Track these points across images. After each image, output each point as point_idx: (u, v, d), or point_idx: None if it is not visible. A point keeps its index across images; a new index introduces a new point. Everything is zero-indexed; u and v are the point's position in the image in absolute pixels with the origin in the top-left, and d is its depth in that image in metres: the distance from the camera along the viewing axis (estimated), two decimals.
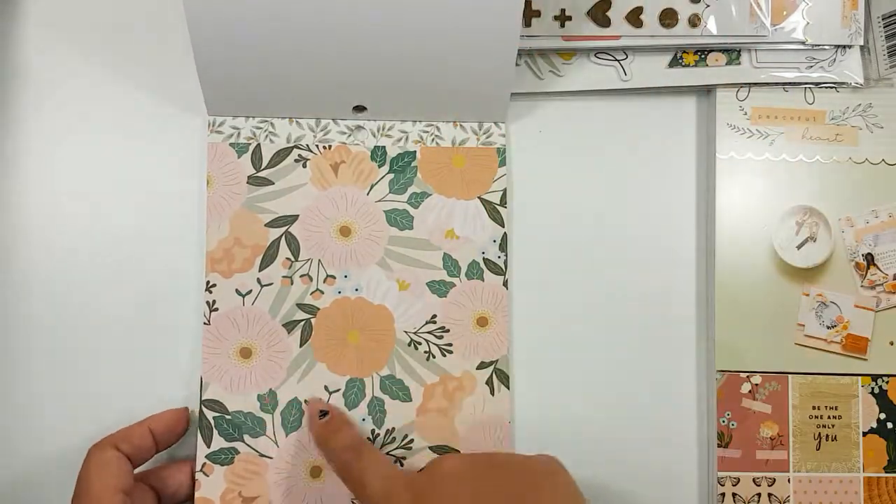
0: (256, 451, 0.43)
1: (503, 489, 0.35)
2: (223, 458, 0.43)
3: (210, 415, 0.43)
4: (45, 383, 0.44)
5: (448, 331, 0.44)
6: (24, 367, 0.44)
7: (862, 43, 0.47)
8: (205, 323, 0.43)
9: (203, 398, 0.43)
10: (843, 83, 0.47)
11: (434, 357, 0.44)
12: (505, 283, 0.45)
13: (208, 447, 0.42)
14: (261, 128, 0.45)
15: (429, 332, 0.44)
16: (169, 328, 0.44)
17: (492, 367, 0.45)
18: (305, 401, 0.43)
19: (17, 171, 0.45)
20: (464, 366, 0.44)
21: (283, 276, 0.44)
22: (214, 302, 0.43)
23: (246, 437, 0.43)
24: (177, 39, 0.45)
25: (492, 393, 0.44)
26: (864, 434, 0.46)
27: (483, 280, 0.45)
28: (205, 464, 0.42)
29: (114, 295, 0.44)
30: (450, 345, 0.44)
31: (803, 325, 0.46)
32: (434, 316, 0.45)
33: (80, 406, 0.43)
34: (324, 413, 0.42)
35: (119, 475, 0.38)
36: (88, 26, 0.45)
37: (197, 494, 0.42)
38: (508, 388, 0.45)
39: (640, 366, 0.46)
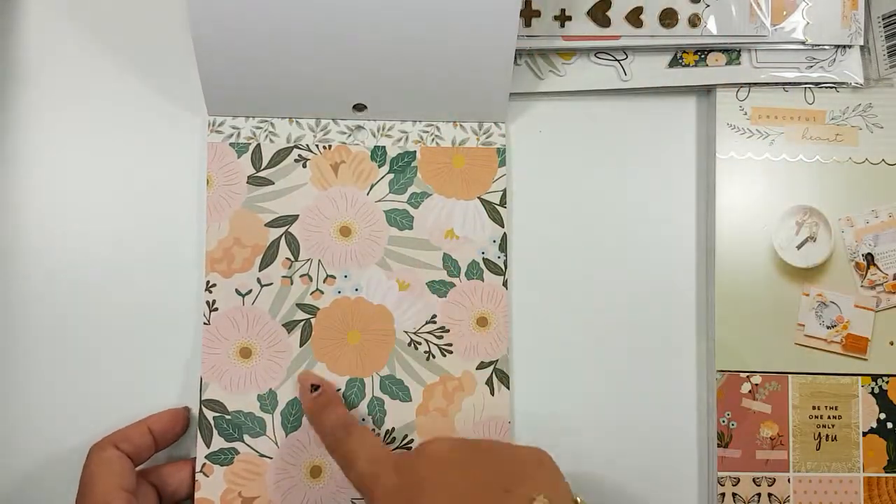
0: (256, 452, 0.43)
1: (489, 475, 0.35)
2: (223, 458, 0.42)
3: (210, 415, 0.43)
4: (46, 383, 0.44)
5: (448, 331, 0.44)
6: (25, 367, 0.44)
7: (862, 43, 0.47)
8: (204, 323, 0.43)
9: (203, 398, 0.43)
10: (843, 83, 0.47)
11: (434, 357, 0.44)
12: (505, 283, 0.45)
13: (208, 447, 0.42)
14: (261, 128, 0.45)
15: (429, 332, 0.44)
16: (169, 328, 0.44)
17: (492, 367, 0.45)
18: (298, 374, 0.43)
19: (18, 171, 0.45)
20: (464, 366, 0.44)
21: (283, 276, 0.44)
22: (214, 302, 0.43)
23: (246, 437, 0.43)
24: (177, 39, 0.45)
25: (492, 393, 0.44)
26: (864, 434, 0.46)
27: (483, 280, 0.45)
28: (204, 464, 0.42)
29: (113, 295, 0.44)
30: (450, 345, 0.44)
31: (803, 325, 0.46)
32: (434, 316, 0.45)
33: (79, 405, 0.43)
34: (315, 387, 0.42)
35: (122, 474, 0.38)
36: (89, 26, 0.45)
37: (197, 495, 0.42)
38: (508, 388, 0.45)
39: (640, 366, 0.46)
